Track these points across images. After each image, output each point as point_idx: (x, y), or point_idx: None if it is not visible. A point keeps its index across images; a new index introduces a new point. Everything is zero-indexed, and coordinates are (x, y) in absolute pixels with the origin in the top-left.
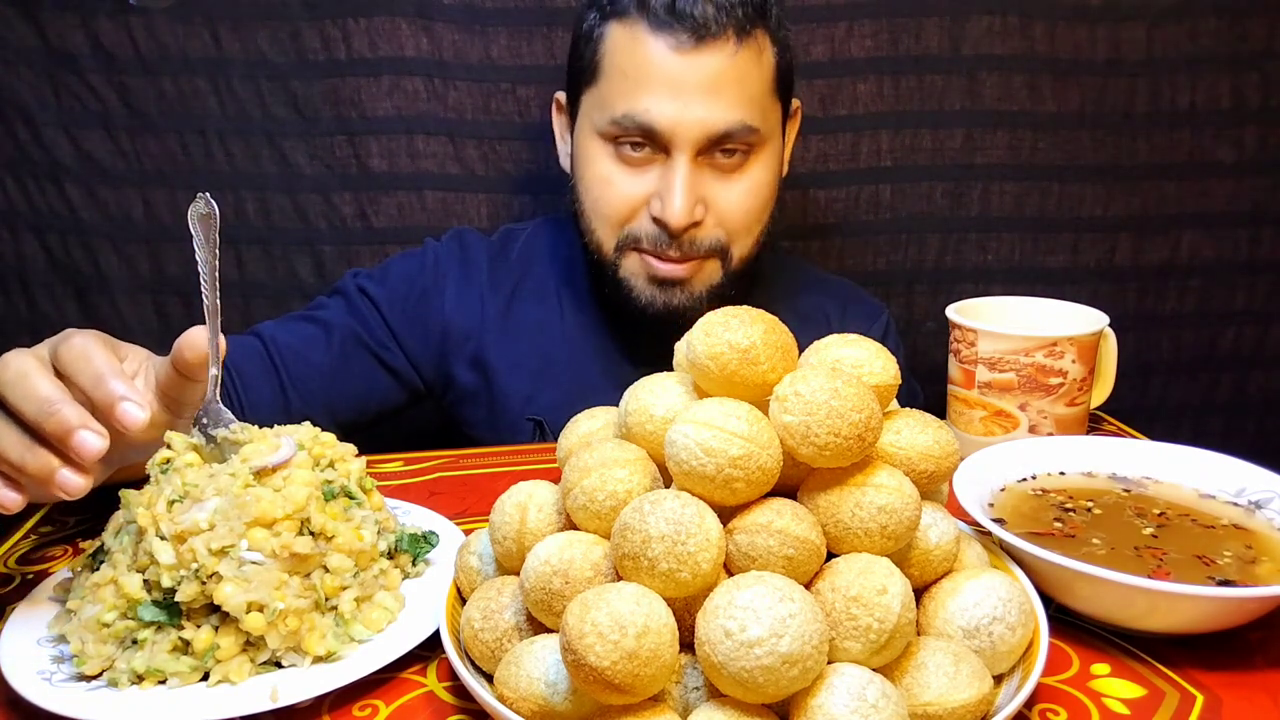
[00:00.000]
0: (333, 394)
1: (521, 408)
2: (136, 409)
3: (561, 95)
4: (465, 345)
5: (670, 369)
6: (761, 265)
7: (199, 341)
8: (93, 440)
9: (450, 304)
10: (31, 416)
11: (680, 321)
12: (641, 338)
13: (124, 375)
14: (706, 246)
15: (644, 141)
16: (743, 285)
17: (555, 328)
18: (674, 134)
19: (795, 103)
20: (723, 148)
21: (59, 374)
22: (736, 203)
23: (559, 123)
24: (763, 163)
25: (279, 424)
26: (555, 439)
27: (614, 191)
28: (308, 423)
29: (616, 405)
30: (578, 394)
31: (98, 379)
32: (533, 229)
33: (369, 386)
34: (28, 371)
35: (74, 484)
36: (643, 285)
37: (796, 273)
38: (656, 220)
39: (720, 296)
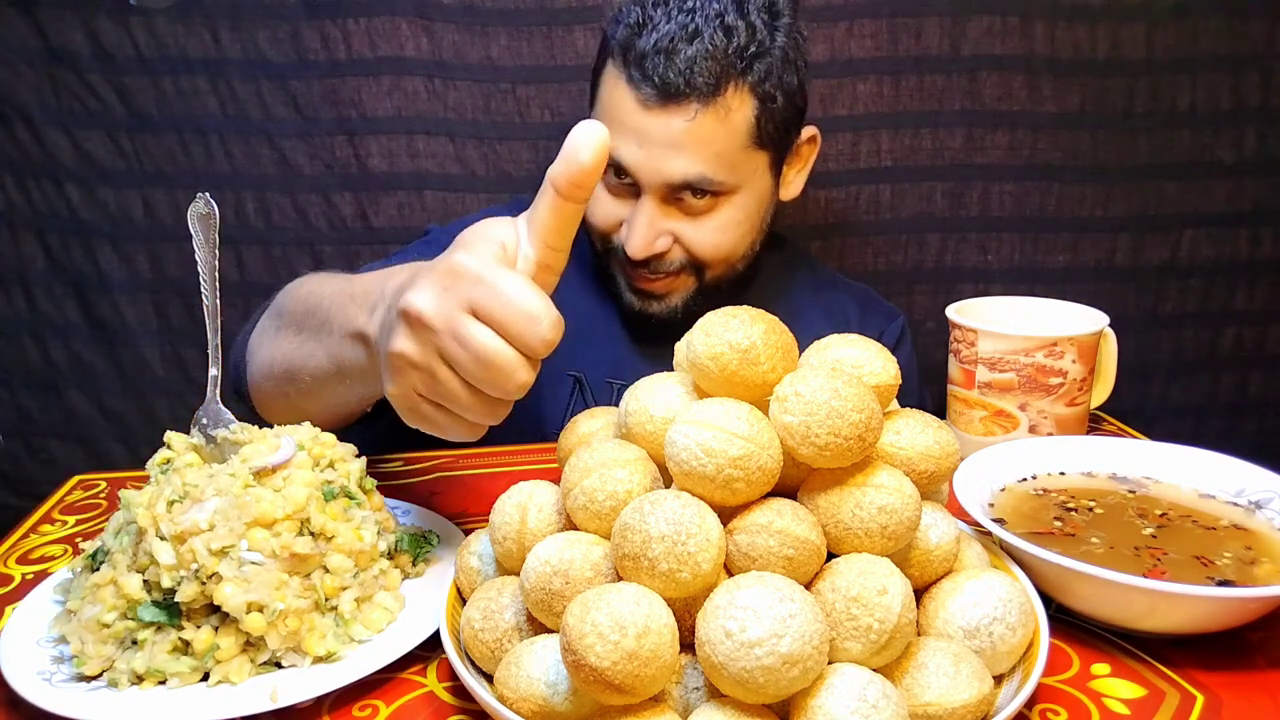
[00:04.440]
0: None
1: (563, 363)
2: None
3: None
4: None
5: None
6: (775, 262)
7: (593, 139)
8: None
9: None
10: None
11: (659, 327)
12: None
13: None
14: (677, 266)
15: (619, 176)
16: (733, 291)
17: (595, 297)
18: (638, 177)
19: (809, 132)
20: (690, 195)
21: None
22: (705, 240)
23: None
24: (736, 204)
25: None
26: (594, 397)
27: (598, 208)
28: (308, 423)
29: (648, 371)
30: (615, 357)
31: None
32: None
33: None
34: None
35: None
36: (624, 289)
37: (815, 270)
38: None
39: (699, 303)
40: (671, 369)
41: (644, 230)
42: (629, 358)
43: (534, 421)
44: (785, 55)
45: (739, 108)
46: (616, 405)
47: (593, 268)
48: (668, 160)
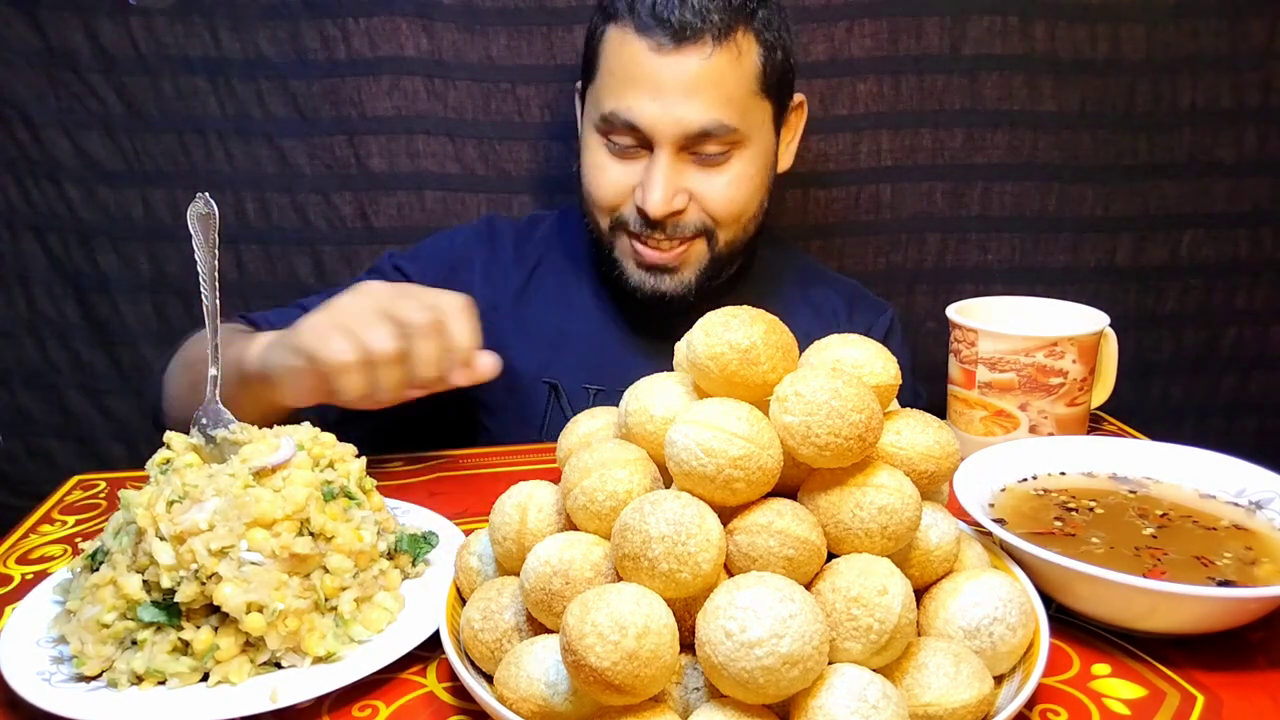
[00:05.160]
0: None
1: (537, 372)
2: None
3: (580, 88)
4: (488, 317)
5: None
6: (768, 256)
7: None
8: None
9: (479, 280)
10: (424, 374)
11: (669, 306)
12: (650, 315)
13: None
14: (692, 229)
15: (630, 137)
16: (736, 272)
17: (573, 302)
18: (654, 131)
19: (798, 98)
20: (705, 143)
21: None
22: (720, 193)
23: (579, 111)
24: (747, 157)
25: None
26: (569, 403)
27: (605, 178)
28: (307, 423)
29: (629, 375)
30: (592, 361)
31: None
32: (558, 214)
33: None
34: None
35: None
36: (633, 269)
37: (805, 266)
38: (639, 209)
39: (710, 278)
40: (648, 368)
41: (662, 185)
42: (606, 362)
43: (511, 431)
44: (779, 9)
45: (747, 51)
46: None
47: (581, 266)
48: (684, 107)
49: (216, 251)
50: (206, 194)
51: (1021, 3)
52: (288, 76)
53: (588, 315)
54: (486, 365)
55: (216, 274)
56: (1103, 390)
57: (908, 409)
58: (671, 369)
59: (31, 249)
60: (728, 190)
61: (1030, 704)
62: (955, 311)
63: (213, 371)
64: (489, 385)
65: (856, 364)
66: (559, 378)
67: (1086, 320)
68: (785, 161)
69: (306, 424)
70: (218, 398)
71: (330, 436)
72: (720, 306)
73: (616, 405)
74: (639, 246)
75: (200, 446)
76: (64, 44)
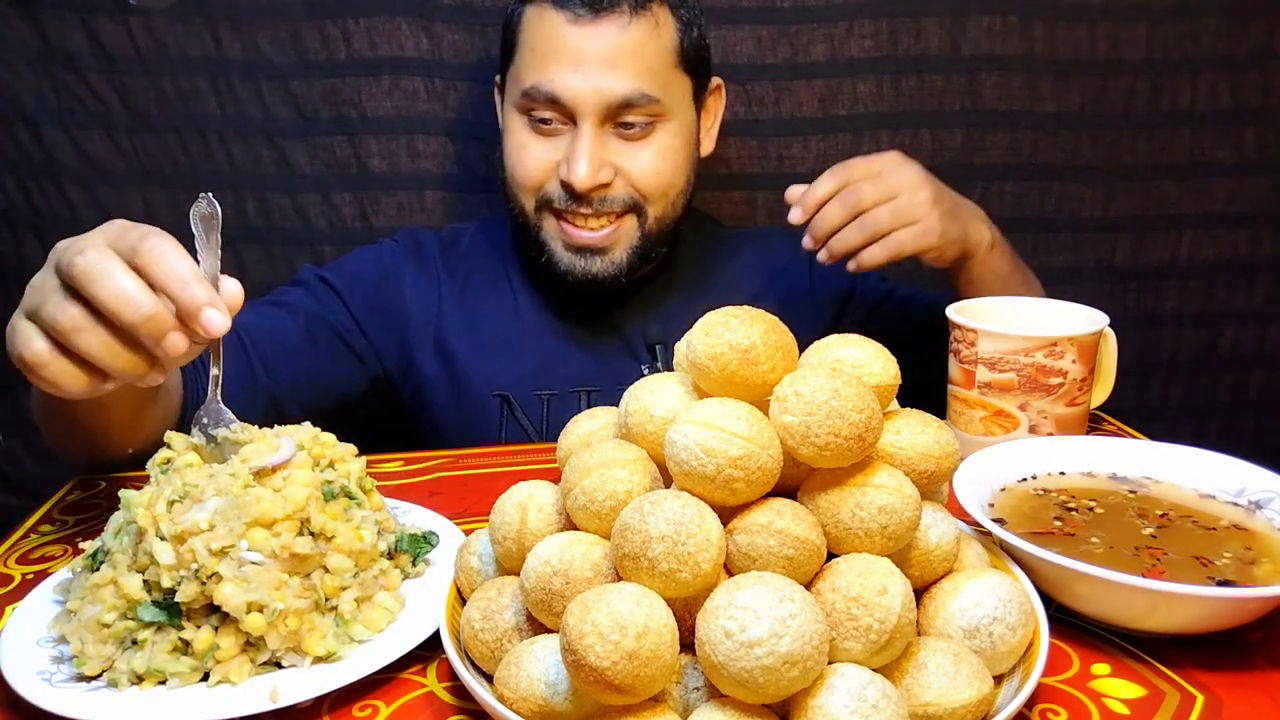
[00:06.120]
0: (297, 371)
1: (486, 386)
2: (220, 316)
3: (500, 78)
4: (426, 330)
5: (619, 330)
6: (690, 234)
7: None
8: (179, 342)
9: (409, 291)
10: (124, 315)
11: (600, 288)
12: (588, 305)
13: (205, 279)
14: (620, 202)
15: (552, 111)
16: (667, 252)
17: (509, 309)
18: (576, 102)
19: (715, 81)
20: (627, 116)
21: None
22: (645, 166)
23: (498, 103)
24: (670, 130)
25: (246, 402)
26: (523, 412)
27: (528, 157)
28: (308, 423)
29: (578, 373)
30: (540, 366)
31: (184, 283)
32: (476, 226)
33: (333, 368)
34: (111, 268)
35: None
36: (561, 251)
37: (722, 235)
38: (565, 184)
39: (641, 259)
40: (595, 362)
41: (586, 157)
42: (553, 364)
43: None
44: None
45: (665, 24)
46: (548, 418)
47: (511, 271)
48: (605, 77)
49: (219, 252)
50: (209, 194)
51: (1021, 3)
52: (288, 76)
53: (525, 320)
54: (214, 321)
55: (218, 274)
56: (1102, 390)
57: (907, 409)
58: (616, 352)
59: (32, 249)
60: (653, 163)
61: (1030, 704)
62: (955, 311)
63: (214, 372)
64: (437, 405)
65: (856, 364)
66: (509, 389)
67: (1086, 320)
68: (707, 146)
69: (307, 424)
70: (218, 398)
71: (330, 436)
72: (651, 288)
73: (570, 409)
74: (566, 226)
75: (201, 446)
76: (64, 44)
